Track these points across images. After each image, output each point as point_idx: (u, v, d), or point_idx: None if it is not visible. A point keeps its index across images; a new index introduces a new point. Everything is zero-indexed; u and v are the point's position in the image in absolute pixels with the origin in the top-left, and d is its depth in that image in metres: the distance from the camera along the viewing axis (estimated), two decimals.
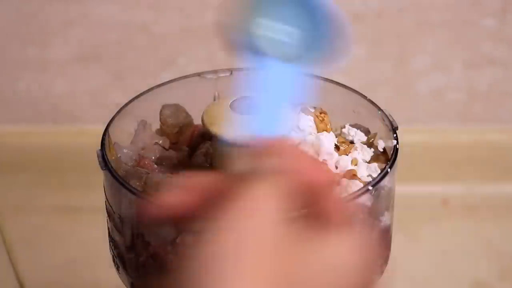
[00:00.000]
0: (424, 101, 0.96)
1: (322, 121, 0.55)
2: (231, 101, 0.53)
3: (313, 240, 0.38)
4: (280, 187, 0.37)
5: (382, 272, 0.55)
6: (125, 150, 0.56)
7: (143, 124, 0.57)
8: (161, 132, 0.58)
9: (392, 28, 0.93)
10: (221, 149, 0.52)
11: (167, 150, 0.57)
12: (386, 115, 0.56)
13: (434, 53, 0.94)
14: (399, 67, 0.95)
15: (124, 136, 0.57)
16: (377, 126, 0.56)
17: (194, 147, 0.57)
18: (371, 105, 0.57)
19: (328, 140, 0.53)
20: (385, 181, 0.51)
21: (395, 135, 0.54)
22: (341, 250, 0.38)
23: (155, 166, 0.55)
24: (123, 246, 0.52)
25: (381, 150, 0.55)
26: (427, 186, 0.95)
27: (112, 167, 0.52)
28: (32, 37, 0.95)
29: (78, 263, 0.87)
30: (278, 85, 0.45)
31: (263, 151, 0.40)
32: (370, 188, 0.50)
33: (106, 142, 0.54)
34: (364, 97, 0.58)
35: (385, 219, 0.53)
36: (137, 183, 0.52)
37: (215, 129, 0.51)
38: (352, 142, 0.56)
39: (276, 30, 0.45)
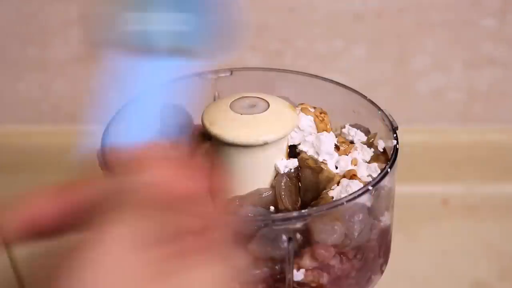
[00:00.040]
0: (424, 101, 0.96)
1: (322, 121, 0.55)
2: (231, 101, 0.53)
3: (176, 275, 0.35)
4: (140, 222, 0.35)
5: (382, 272, 0.55)
6: None
7: None
8: None
9: (392, 28, 0.93)
10: (220, 149, 0.52)
11: None
12: (386, 115, 0.56)
13: (434, 53, 0.94)
14: (399, 67, 0.95)
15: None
16: (377, 126, 0.56)
17: (194, 147, 0.57)
18: (371, 105, 0.57)
19: (328, 140, 0.53)
20: (385, 181, 0.51)
21: (395, 135, 0.54)
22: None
23: None
24: None
25: (381, 150, 0.55)
26: (427, 186, 0.95)
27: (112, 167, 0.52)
28: (32, 37, 0.95)
29: None
30: (152, 85, 0.43)
31: (130, 162, 0.38)
32: (370, 188, 0.50)
33: (106, 142, 0.54)
34: (364, 97, 0.58)
35: (385, 219, 0.53)
36: None
37: (215, 129, 0.51)
38: (352, 142, 0.56)
39: (162, 21, 0.43)
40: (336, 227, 0.49)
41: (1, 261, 0.86)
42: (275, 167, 0.53)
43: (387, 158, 0.54)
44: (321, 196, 0.52)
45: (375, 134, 0.56)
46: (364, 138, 0.56)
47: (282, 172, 0.52)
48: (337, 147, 0.54)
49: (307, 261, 0.49)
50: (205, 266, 0.36)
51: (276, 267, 0.49)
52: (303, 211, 0.49)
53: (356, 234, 0.50)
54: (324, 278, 0.50)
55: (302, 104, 0.56)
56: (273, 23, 0.94)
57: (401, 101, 0.96)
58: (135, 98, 0.58)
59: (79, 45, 0.95)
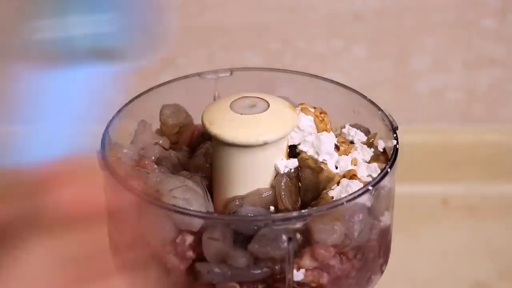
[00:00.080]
0: (424, 101, 0.96)
1: (322, 121, 0.55)
2: (231, 101, 0.53)
3: None
4: (51, 242, 0.34)
5: (382, 272, 0.55)
6: (125, 150, 0.56)
7: (143, 124, 0.57)
8: (161, 132, 0.58)
9: (392, 28, 0.93)
10: (220, 149, 0.52)
11: (167, 150, 0.57)
12: (386, 115, 0.56)
13: (434, 53, 0.94)
14: (399, 67, 0.95)
15: (124, 136, 0.57)
16: (377, 126, 0.56)
17: (194, 147, 0.57)
18: (371, 105, 0.57)
19: (328, 140, 0.53)
20: (385, 181, 0.51)
21: (395, 135, 0.54)
22: None
23: (155, 166, 0.55)
24: (123, 246, 0.52)
25: (381, 150, 0.55)
26: (427, 186, 0.95)
27: (112, 167, 0.52)
28: None
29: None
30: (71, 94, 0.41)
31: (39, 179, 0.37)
32: (370, 188, 0.50)
33: (106, 142, 0.54)
34: (364, 97, 0.58)
35: (385, 219, 0.53)
36: (137, 183, 0.52)
37: (215, 129, 0.51)
38: (352, 142, 0.56)
39: (78, 24, 0.40)
40: (336, 227, 0.49)
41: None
42: (275, 167, 0.53)
43: (387, 158, 0.54)
44: (321, 196, 0.52)
45: (375, 134, 0.56)
46: (364, 138, 0.56)
47: (282, 172, 0.52)
48: (337, 147, 0.54)
49: (307, 261, 0.49)
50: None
51: (276, 267, 0.49)
52: (303, 211, 0.49)
53: (356, 234, 0.50)
54: (324, 278, 0.50)
55: (302, 104, 0.56)
56: (273, 23, 0.94)
57: (401, 101, 0.96)
58: (135, 98, 0.58)
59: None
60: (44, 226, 0.35)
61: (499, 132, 0.97)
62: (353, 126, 0.57)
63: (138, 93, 0.58)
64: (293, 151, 0.54)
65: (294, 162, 0.53)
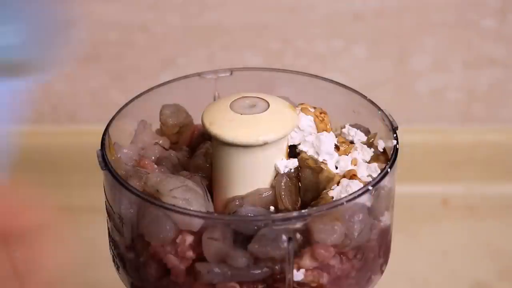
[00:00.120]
0: (424, 101, 0.96)
1: (322, 121, 0.55)
2: (231, 101, 0.53)
3: None
4: None
5: (382, 272, 0.55)
6: (125, 150, 0.56)
7: (143, 124, 0.57)
8: (161, 132, 0.58)
9: (392, 28, 0.93)
10: (220, 149, 0.52)
11: (167, 150, 0.57)
12: (386, 115, 0.56)
13: (434, 53, 0.95)
14: (399, 67, 0.95)
15: (124, 136, 0.57)
16: (377, 126, 0.56)
17: (194, 147, 0.57)
18: (371, 105, 0.57)
19: (328, 140, 0.53)
20: (385, 181, 0.51)
21: (395, 135, 0.54)
22: None
23: (155, 166, 0.55)
24: (123, 246, 0.52)
25: (381, 150, 0.55)
26: (427, 186, 0.95)
27: (112, 167, 0.52)
28: None
29: (78, 263, 0.87)
30: None
31: None
32: (370, 188, 0.50)
33: (106, 142, 0.54)
34: (364, 97, 0.58)
35: (385, 219, 0.53)
36: (137, 183, 0.52)
37: (215, 129, 0.51)
38: (352, 142, 0.56)
39: None
40: (336, 227, 0.49)
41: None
42: (275, 167, 0.53)
43: (387, 158, 0.54)
44: (321, 196, 0.52)
45: (375, 134, 0.56)
46: (364, 138, 0.56)
47: (282, 172, 0.52)
48: (337, 147, 0.54)
49: (307, 261, 0.49)
50: None
51: (276, 267, 0.49)
52: (303, 211, 0.49)
53: (356, 234, 0.50)
54: (324, 278, 0.50)
55: (302, 104, 0.56)
56: (273, 23, 0.94)
57: (401, 101, 0.96)
58: (135, 98, 0.58)
59: (79, 45, 0.95)
60: None
61: (499, 132, 0.97)
62: (353, 126, 0.57)
63: (138, 93, 0.58)
64: (293, 151, 0.54)
65: (294, 162, 0.53)
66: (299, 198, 0.53)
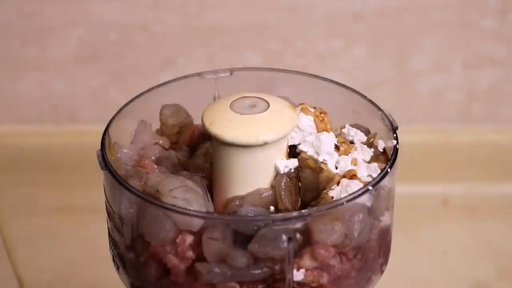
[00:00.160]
0: (424, 101, 0.97)
1: (322, 121, 0.55)
2: (231, 101, 0.53)
3: None
4: None
5: (382, 272, 0.55)
6: (125, 150, 0.56)
7: (143, 124, 0.57)
8: (161, 132, 0.58)
9: (392, 28, 0.93)
10: (220, 149, 0.52)
11: (167, 150, 0.57)
12: (386, 115, 0.56)
13: (434, 53, 0.95)
14: (399, 67, 0.95)
15: (124, 136, 0.57)
16: (377, 126, 0.56)
17: (194, 147, 0.57)
18: (371, 105, 0.57)
19: (328, 140, 0.53)
20: (385, 181, 0.51)
21: (395, 135, 0.54)
22: None
23: (155, 166, 0.55)
24: (123, 246, 0.52)
25: (381, 150, 0.55)
26: (427, 186, 0.95)
27: (112, 167, 0.52)
28: (32, 37, 0.95)
29: (78, 263, 0.87)
30: None
31: None
32: (370, 188, 0.50)
33: (106, 142, 0.54)
34: (364, 97, 0.58)
35: (385, 219, 0.53)
36: (137, 183, 0.52)
37: (215, 129, 0.51)
38: (352, 142, 0.56)
39: None
40: (336, 227, 0.49)
41: (1, 261, 0.86)
42: (275, 167, 0.53)
43: (387, 158, 0.54)
44: (321, 196, 0.52)
45: (375, 134, 0.56)
46: (364, 138, 0.56)
47: (282, 172, 0.52)
48: (337, 147, 0.54)
49: (307, 261, 0.49)
50: None
51: (276, 267, 0.49)
52: (303, 211, 0.49)
53: (356, 234, 0.50)
54: (324, 278, 0.50)
55: (302, 104, 0.56)
56: (273, 23, 0.94)
57: (401, 101, 0.96)
58: (135, 98, 0.58)
59: (79, 45, 0.95)
60: None
61: (499, 132, 0.97)
62: (353, 126, 0.57)
63: (138, 93, 0.58)
64: (293, 151, 0.54)
65: (294, 162, 0.53)
66: (299, 198, 0.53)
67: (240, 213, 0.51)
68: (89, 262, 0.86)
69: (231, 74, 0.60)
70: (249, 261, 0.48)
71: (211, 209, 0.51)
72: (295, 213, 0.49)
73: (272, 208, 0.52)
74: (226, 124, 0.51)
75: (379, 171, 0.53)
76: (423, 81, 0.96)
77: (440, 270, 0.87)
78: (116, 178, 0.51)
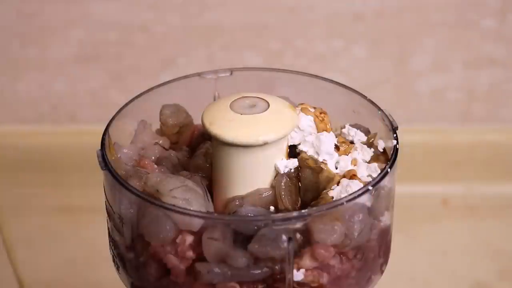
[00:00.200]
0: (424, 101, 0.96)
1: (322, 121, 0.55)
2: (231, 101, 0.53)
3: None
4: None
5: (382, 272, 0.55)
6: (125, 150, 0.56)
7: (143, 124, 0.57)
8: (161, 132, 0.58)
9: (392, 28, 0.93)
10: (220, 149, 0.52)
11: (167, 150, 0.57)
12: (386, 115, 0.56)
13: (434, 53, 0.95)
14: (399, 67, 0.95)
15: (124, 136, 0.57)
16: (377, 126, 0.56)
17: (194, 147, 0.57)
18: (371, 105, 0.57)
19: (328, 140, 0.53)
20: (385, 181, 0.51)
21: (395, 135, 0.54)
22: None
23: (155, 166, 0.55)
24: (123, 246, 0.52)
25: (381, 150, 0.55)
26: (427, 186, 0.95)
27: (112, 167, 0.52)
28: (32, 37, 0.95)
29: (78, 263, 0.87)
30: None
31: None
32: (370, 188, 0.50)
33: (106, 142, 0.54)
34: (364, 97, 0.58)
35: (385, 219, 0.53)
36: (137, 183, 0.52)
37: (215, 129, 0.51)
38: (352, 142, 0.56)
39: None
40: (336, 227, 0.49)
41: (1, 261, 0.86)
42: (275, 167, 0.53)
43: (387, 158, 0.54)
44: (321, 196, 0.52)
45: (375, 134, 0.56)
46: (364, 138, 0.56)
47: (282, 172, 0.52)
48: (337, 147, 0.54)
49: (307, 261, 0.49)
50: None
51: (276, 267, 0.49)
52: (303, 211, 0.49)
53: (356, 234, 0.50)
54: (324, 278, 0.50)
55: (302, 104, 0.56)
56: (273, 23, 0.94)
57: (401, 101, 0.96)
58: (135, 98, 0.58)
59: (79, 45, 0.95)
60: None
61: (499, 132, 0.97)
62: (353, 126, 0.57)
63: (138, 93, 0.58)
64: (293, 151, 0.54)
65: (294, 162, 0.53)
66: (299, 198, 0.53)
67: (240, 213, 0.51)
68: (89, 262, 0.86)
69: (231, 74, 0.60)
70: (249, 261, 0.48)
71: (211, 209, 0.51)
72: (295, 213, 0.49)
73: (272, 208, 0.52)
74: (226, 124, 0.51)
75: (379, 171, 0.53)
76: (423, 81, 0.96)
77: (440, 270, 0.87)
78: (116, 178, 0.51)
